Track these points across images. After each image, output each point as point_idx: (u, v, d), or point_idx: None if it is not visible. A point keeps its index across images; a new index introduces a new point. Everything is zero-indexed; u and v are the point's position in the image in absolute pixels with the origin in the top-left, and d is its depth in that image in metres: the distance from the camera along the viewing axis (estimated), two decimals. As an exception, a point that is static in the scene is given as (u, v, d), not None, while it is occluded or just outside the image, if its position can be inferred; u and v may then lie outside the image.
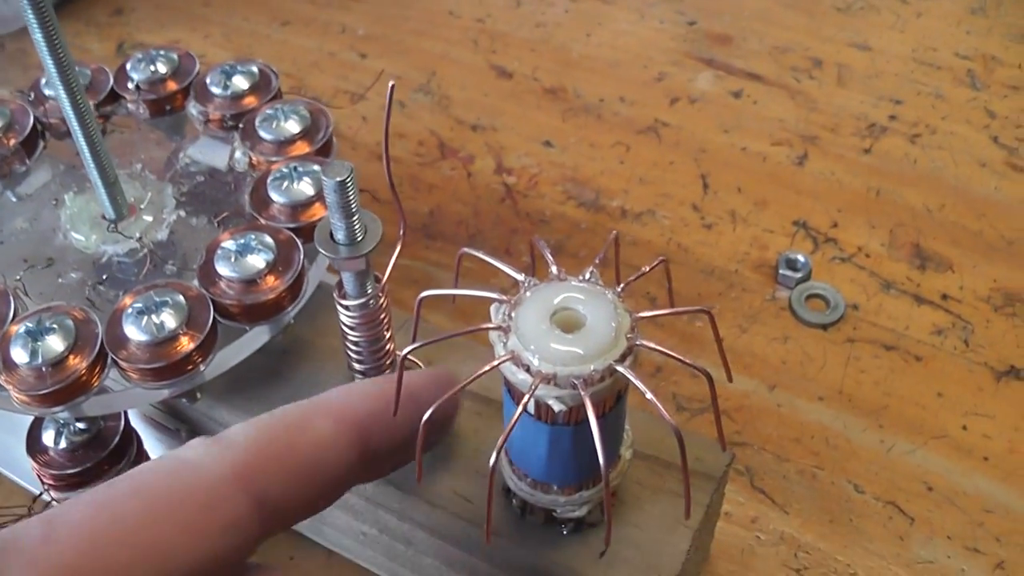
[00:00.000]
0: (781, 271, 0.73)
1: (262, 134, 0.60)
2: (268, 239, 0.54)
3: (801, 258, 0.74)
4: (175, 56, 0.65)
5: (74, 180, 0.62)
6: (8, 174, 0.62)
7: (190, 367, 0.51)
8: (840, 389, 0.67)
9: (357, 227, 0.48)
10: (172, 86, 0.64)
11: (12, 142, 0.62)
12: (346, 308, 0.51)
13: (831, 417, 0.65)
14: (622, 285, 0.46)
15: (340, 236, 0.48)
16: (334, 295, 0.51)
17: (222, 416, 0.55)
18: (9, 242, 0.59)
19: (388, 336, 0.53)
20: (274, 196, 0.56)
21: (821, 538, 0.59)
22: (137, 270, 0.57)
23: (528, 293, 0.45)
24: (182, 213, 0.58)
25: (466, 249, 0.49)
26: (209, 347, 0.51)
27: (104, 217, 0.58)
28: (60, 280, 0.57)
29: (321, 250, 0.48)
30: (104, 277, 0.55)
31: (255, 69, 0.64)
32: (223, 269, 0.53)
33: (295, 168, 0.57)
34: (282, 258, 0.53)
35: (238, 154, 0.60)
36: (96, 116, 0.63)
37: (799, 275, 0.73)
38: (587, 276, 0.46)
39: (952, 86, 0.89)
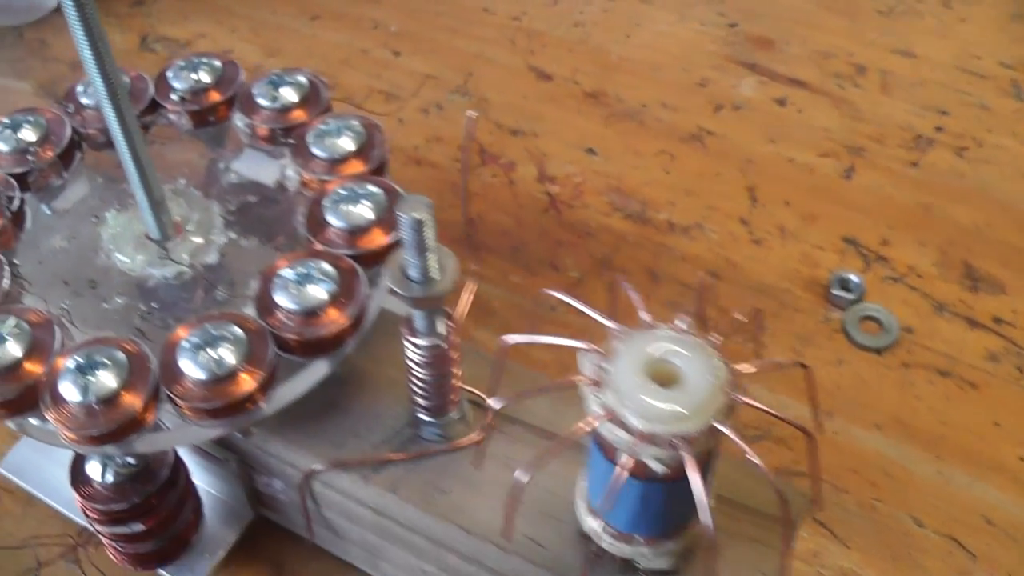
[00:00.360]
0: (834, 291, 0.72)
1: (315, 151, 0.57)
2: (329, 268, 0.51)
3: (855, 278, 0.72)
4: (218, 64, 0.62)
5: (115, 195, 0.60)
6: (44, 187, 0.59)
7: (250, 406, 0.48)
8: (897, 417, 0.65)
9: (434, 265, 0.46)
10: (216, 96, 0.61)
11: (49, 154, 0.59)
12: (416, 346, 0.49)
13: (888, 446, 0.64)
14: (717, 336, 0.44)
15: (415, 274, 0.46)
16: (403, 331, 0.49)
17: (277, 450, 0.53)
18: (48, 262, 0.57)
19: (457, 373, 0.51)
20: (331, 219, 0.54)
21: (882, 575, 0.58)
22: (187, 295, 0.55)
23: (620, 343, 0.43)
24: (232, 235, 0.56)
25: (546, 290, 0.47)
26: (270, 384, 0.49)
27: (148, 237, 0.55)
28: (105, 305, 0.54)
29: (395, 289, 0.46)
30: (153, 305, 0.53)
31: (304, 80, 0.61)
32: (282, 299, 0.50)
33: (353, 190, 0.54)
34: (344, 289, 0.51)
35: (289, 172, 0.57)
36: (138, 127, 0.61)
37: (852, 296, 0.71)
38: (680, 324, 0.44)
39: (996, 96, 0.87)
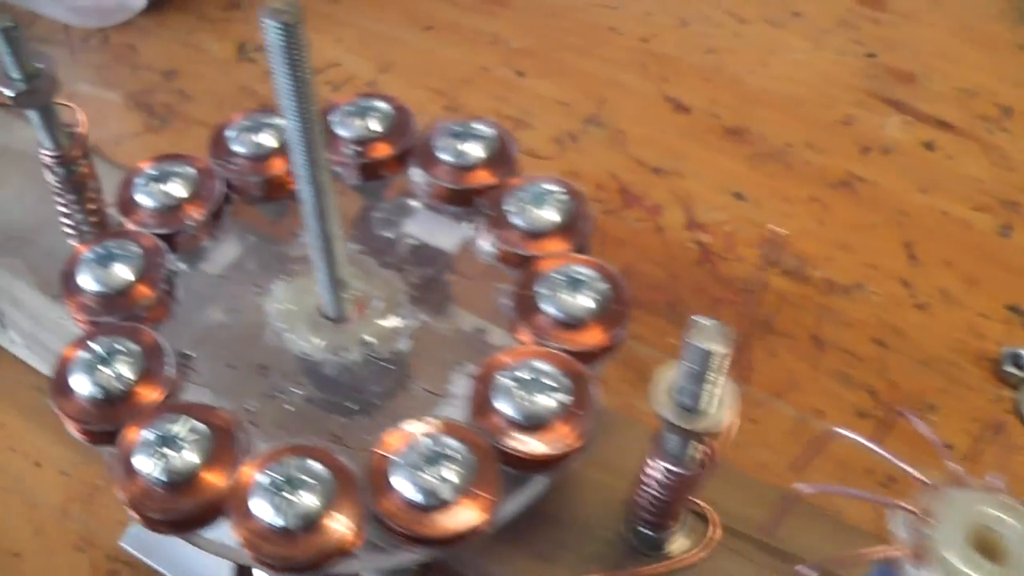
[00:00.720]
0: (1005, 367, 0.67)
1: (514, 220, 0.51)
2: (558, 372, 0.45)
3: (1027, 354, 0.68)
4: (388, 108, 0.56)
5: (273, 258, 0.54)
6: (192, 249, 0.53)
7: (474, 535, 0.43)
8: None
9: (714, 396, 0.41)
10: (388, 147, 0.55)
11: (200, 211, 0.52)
12: (667, 471, 0.44)
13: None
14: None
15: (688, 401, 0.41)
16: (650, 451, 0.44)
17: (488, 567, 0.48)
18: (207, 340, 0.50)
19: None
20: (546, 308, 0.48)
21: None
22: (376, 388, 0.49)
23: (937, 504, 0.38)
24: (424, 316, 0.50)
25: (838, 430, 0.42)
26: (495, 506, 0.43)
27: (323, 315, 0.49)
28: (287, 406, 0.48)
29: (665, 416, 0.41)
30: (349, 405, 0.47)
31: (490, 131, 0.55)
32: (504, 407, 0.44)
33: (570, 274, 0.48)
34: (577, 398, 0.45)
35: (484, 244, 0.51)
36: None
37: (1023, 374, 0.67)
38: (994, 482, 0.39)
39: None
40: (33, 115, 0.53)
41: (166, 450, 0.43)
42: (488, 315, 0.50)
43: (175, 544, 0.56)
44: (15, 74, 0.51)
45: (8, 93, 0.52)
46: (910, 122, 0.82)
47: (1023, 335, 0.70)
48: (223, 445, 0.44)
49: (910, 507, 0.39)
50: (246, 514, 0.42)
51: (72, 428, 0.46)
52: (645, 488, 0.46)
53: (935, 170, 0.79)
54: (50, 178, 0.56)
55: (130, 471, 0.43)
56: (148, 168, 0.54)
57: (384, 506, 0.42)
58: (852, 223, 0.75)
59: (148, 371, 0.46)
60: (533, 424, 0.44)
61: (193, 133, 0.79)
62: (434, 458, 0.42)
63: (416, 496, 0.42)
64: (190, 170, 0.53)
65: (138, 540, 0.58)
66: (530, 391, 0.44)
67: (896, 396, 0.66)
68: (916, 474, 0.40)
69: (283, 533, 0.41)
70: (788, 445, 0.63)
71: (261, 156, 0.54)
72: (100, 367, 0.45)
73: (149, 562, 0.57)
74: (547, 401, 0.44)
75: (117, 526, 0.60)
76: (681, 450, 0.43)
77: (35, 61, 0.52)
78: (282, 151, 0.54)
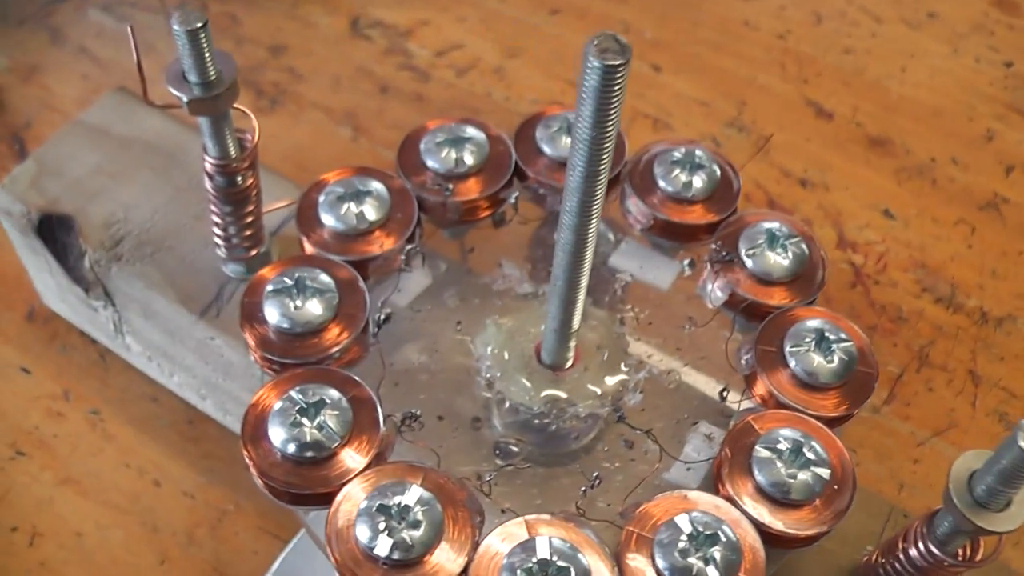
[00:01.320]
0: None
1: (749, 265, 0.47)
2: (817, 444, 0.42)
3: None
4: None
5: (471, 290, 0.49)
6: (383, 279, 0.48)
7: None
8: None
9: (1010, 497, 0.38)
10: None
11: (394, 238, 0.48)
12: (930, 554, 0.41)
13: None
14: None
15: (986, 498, 0.38)
16: (915, 534, 0.41)
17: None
18: (407, 384, 0.46)
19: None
20: (796, 369, 0.44)
21: None
22: (603, 447, 0.45)
23: None
24: (654, 369, 0.46)
25: None
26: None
27: (540, 361, 0.45)
28: (511, 464, 0.44)
29: (962, 511, 0.38)
30: (595, 476, 0.43)
31: (711, 160, 0.50)
32: (764, 481, 0.41)
33: (820, 334, 0.44)
34: (834, 471, 0.42)
35: (715, 288, 0.47)
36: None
37: None
38: None
39: None
40: (203, 121, 0.48)
41: (394, 523, 0.38)
42: (716, 368, 0.46)
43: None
44: (193, 77, 0.46)
45: (183, 98, 0.47)
46: (1052, 139, 0.79)
47: None
48: (455, 517, 0.40)
49: None
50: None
51: (262, 483, 0.42)
52: (893, 565, 0.43)
53: (1081, 193, 0.76)
54: (209, 186, 0.51)
55: (347, 543, 0.39)
56: (334, 183, 0.48)
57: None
58: (1001, 248, 0.72)
59: (358, 426, 0.42)
60: (791, 501, 0.41)
61: (308, 117, 0.74)
62: (698, 538, 0.39)
63: None
64: (382, 190, 0.48)
65: (284, 577, 0.54)
66: (791, 464, 0.41)
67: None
68: None
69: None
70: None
71: (460, 176, 0.49)
72: (304, 421, 0.41)
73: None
74: (808, 476, 0.41)
75: (252, 556, 0.56)
76: (953, 539, 0.40)
77: (218, 64, 0.46)
78: (479, 170, 0.50)
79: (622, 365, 0.45)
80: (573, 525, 0.39)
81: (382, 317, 0.44)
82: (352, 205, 0.48)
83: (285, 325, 0.44)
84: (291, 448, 0.41)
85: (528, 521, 0.39)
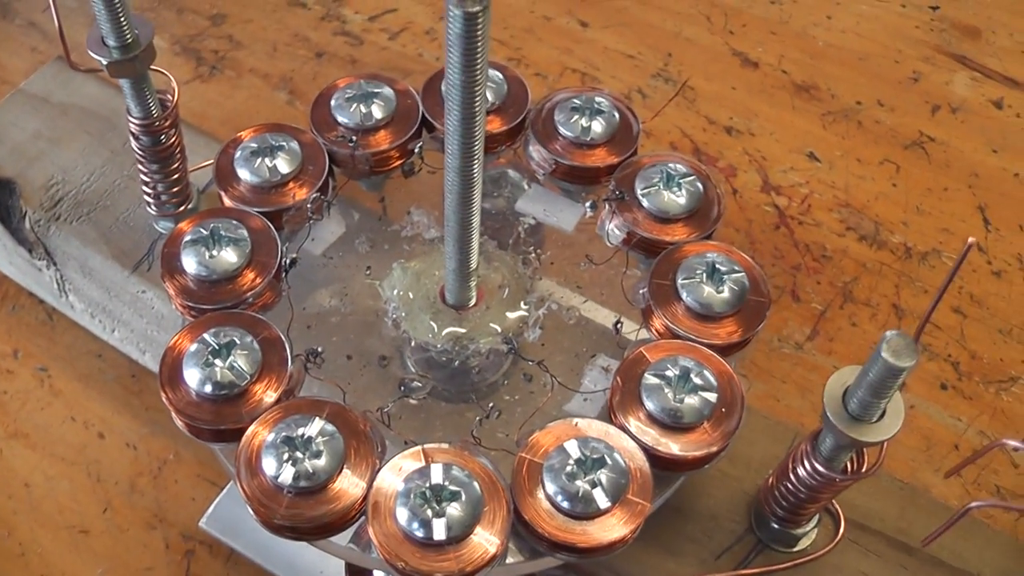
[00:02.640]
0: (1085, 336, 0.67)
1: (645, 204, 0.49)
2: (706, 369, 0.44)
3: (1107, 323, 0.67)
4: (503, 79, 0.53)
5: (382, 237, 0.51)
6: (297, 229, 0.50)
7: (619, 544, 0.41)
8: None
9: (884, 408, 0.40)
10: (502, 121, 0.52)
11: (305, 189, 0.50)
12: (817, 473, 0.43)
13: None
14: None
15: (860, 412, 0.40)
16: (801, 454, 0.43)
17: (617, 564, 0.47)
18: (320, 327, 0.48)
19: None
20: (688, 300, 0.46)
21: None
22: (506, 381, 0.47)
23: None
24: (553, 306, 0.48)
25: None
26: (646, 513, 0.42)
27: (444, 301, 0.47)
28: (413, 401, 0.46)
29: (837, 426, 0.40)
30: (491, 407, 0.45)
31: (611, 105, 0.52)
32: (653, 408, 0.43)
33: (712, 265, 0.46)
34: (723, 396, 0.44)
35: (612, 227, 0.49)
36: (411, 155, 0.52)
37: (1104, 342, 0.67)
38: None
39: None
40: (124, 83, 0.50)
41: (298, 454, 0.41)
42: (617, 303, 0.48)
43: (257, 526, 0.55)
44: (112, 40, 0.48)
45: (102, 61, 0.49)
46: (978, 80, 0.80)
47: (1098, 302, 0.69)
48: (357, 447, 0.42)
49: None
50: (390, 528, 0.40)
51: (181, 423, 0.44)
52: (786, 485, 0.45)
53: (1005, 129, 0.78)
54: (135, 146, 0.53)
55: (256, 474, 0.41)
56: (249, 139, 0.51)
57: (531, 513, 0.41)
58: (925, 186, 0.74)
59: (267, 365, 0.44)
60: (681, 425, 0.43)
61: (245, 83, 0.76)
62: (586, 463, 0.41)
63: (565, 505, 0.40)
64: (294, 144, 0.50)
65: (218, 521, 0.56)
66: (679, 390, 0.43)
67: (977, 367, 0.65)
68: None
69: (433, 547, 0.39)
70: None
71: (369, 129, 0.51)
72: (216, 361, 0.43)
73: (231, 544, 0.55)
74: (696, 400, 0.43)
75: (190, 503, 0.59)
76: (836, 454, 0.43)
77: (134, 27, 0.48)
78: (390, 123, 0.52)
79: (522, 303, 0.47)
80: (467, 453, 0.42)
81: (287, 262, 0.47)
82: (266, 160, 0.50)
83: (202, 273, 0.46)
84: (206, 388, 0.43)
85: (425, 450, 0.41)
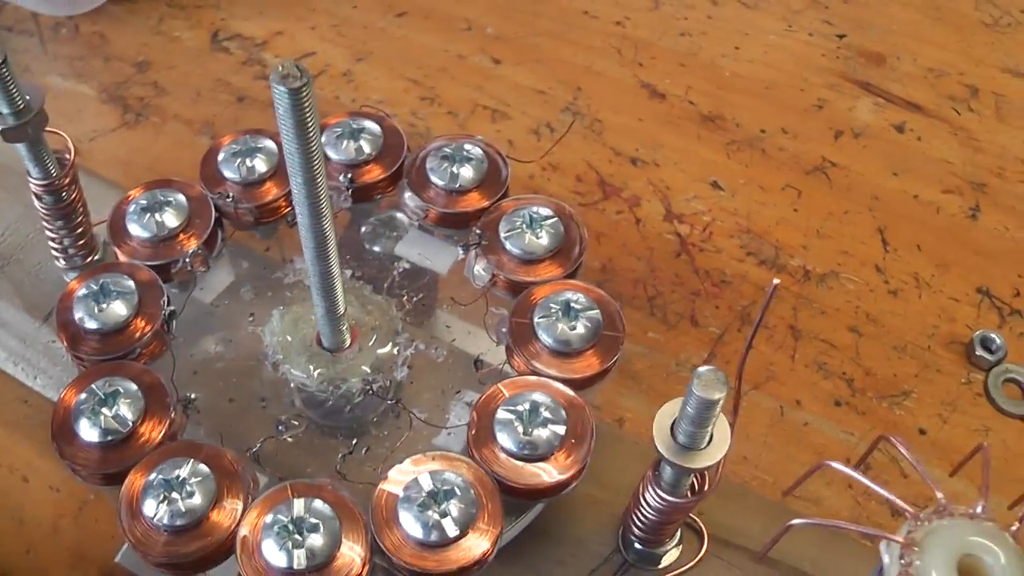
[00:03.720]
0: (976, 351, 0.70)
1: (508, 247, 0.52)
2: (555, 403, 0.47)
3: (997, 338, 0.70)
4: (378, 129, 0.56)
5: (266, 285, 0.54)
6: (186, 280, 0.53)
7: (478, 565, 0.44)
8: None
9: (709, 435, 0.43)
10: (379, 170, 0.55)
11: (193, 242, 0.53)
12: (661, 499, 0.46)
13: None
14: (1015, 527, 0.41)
15: (687, 441, 0.43)
16: (647, 481, 0.46)
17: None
18: (204, 372, 0.51)
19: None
20: (544, 339, 0.49)
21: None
22: (376, 418, 0.50)
23: (922, 534, 0.41)
24: (421, 346, 0.51)
25: (832, 463, 0.44)
26: (498, 537, 0.45)
27: (320, 344, 0.50)
28: (288, 438, 0.49)
29: (666, 456, 0.43)
30: (355, 443, 0.48)
31: (481, 152, 0.55)
32: (505, 442, 0.46)
33: (568, 304, 0.49)
34: (575, 427, 0.47)
35: (479, 269, 0.52)
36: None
37: (993, 357, 0.70)
38: (978, 510, 0.42)
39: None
40: (21, 147, 0.53)
41: (174, 495, 0.44)
42: (486, 342, 0.51)
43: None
44: (4, 109, 0.51)
45: None
46: (881, 105, 0.83)
47: (993, 318, 0.72)
48: (229, 486, 0.45)
49: (897, 539, 0.41)
50: (255, 557, 0.43)
51: (75, 473, 0.47)
52: (640, 510, 0.48)
53: (906, 153, 0.80)
54: (38, 205, 0.56)
55: (136, 516, 0.44)
56: (139, 197, 0.54)
57: (389, 543, 0.43)
58: (826, 210, 0.76)
59: (150, 412, 0.47)
60: (533, 456, 0.46)
61: (169, 129, 0.79)
62: (440, 498, 0.44)
63: (421, 534, 0.43)
64: (181, 199, 0.53)
65: (133, 557, 0.58)
66: (529, 424, 0.46)
67: (871, 384, 0.68)
68: (903, 505, 0.42)
69: (291, 574, 0.42)
70: (768, 437, 0.65)
71: (254, 183, 0.54)
72: (102, 410, 0.46)
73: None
74: (546, 433, 0.46)
75: (110, 541, 0.61)
76: (677, 480, 0.45)
77: (24, 94, 0.51)
78: (274, 176, 0.55)
79: (391, 344, 0.50)
80: (331, 487, 0.44)
81: (166, 314, 0.49)
82: (155, 215, 0.53)
83: (93, 325, 0.49)
84: (93, 435, 0.46)
85: (291, 485, 0.44)
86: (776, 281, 0.38)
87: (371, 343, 0.50)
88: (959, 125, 0.83)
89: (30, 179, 0.55)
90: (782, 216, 0.76)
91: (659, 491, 0.46)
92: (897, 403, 0.68)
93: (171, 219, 0.53)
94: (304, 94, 0.37)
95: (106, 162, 0.75)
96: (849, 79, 0.84)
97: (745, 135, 0.80)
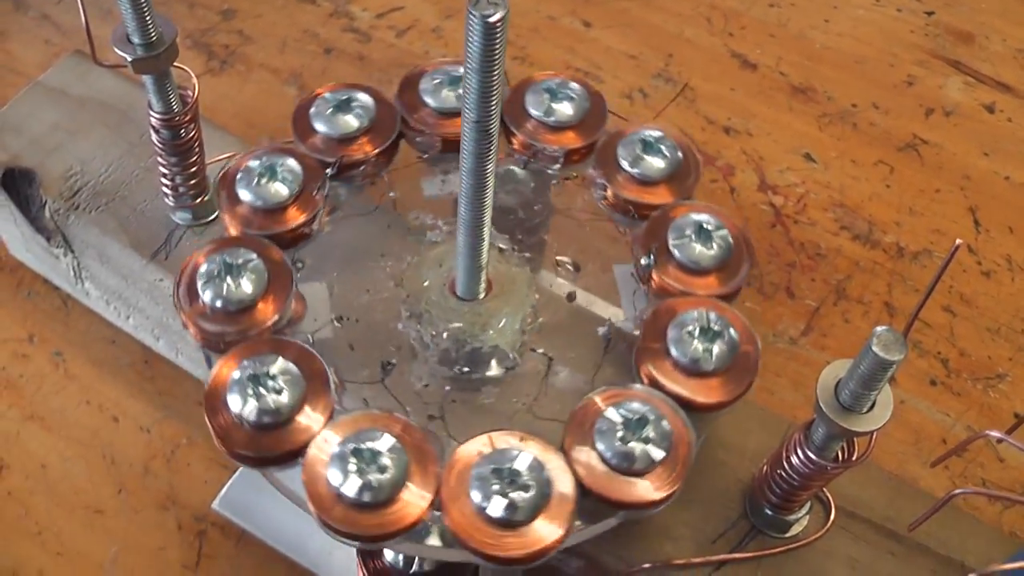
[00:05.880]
0: (1070, 335, 0.69)
1: (675, 254, 0.50)
2: (659, 417, 0.44)
3: (1092, 323, 0.70)
4: (581, 91, 0.54)
5: (404, 229, 0.53)
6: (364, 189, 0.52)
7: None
8: None
9: (873, 400, 0.42)
10: (576, 138, 0.53)
11: (369, 148, 0.52)
12: (809, 461, 0.45)
13: None
14: None
15: (851, 403, 0.42)
16: (795, 442, 0.45)
17: (614, 548, 0.49)
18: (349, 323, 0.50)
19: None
20: (674, 353, 0.46)
21: None
22: (501, 375, 0.49)
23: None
24: (559, 294, 0.50)
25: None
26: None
27: (454, 293, 0.49)
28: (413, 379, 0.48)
29: (830, 416, 0.42)
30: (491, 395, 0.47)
31: (675, 147, 0.53)
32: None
33: (709, 320, 0.47)
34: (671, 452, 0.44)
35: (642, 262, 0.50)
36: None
37: (1089, 341, 0.69)
38: None
39: None
40: (148, 79, 0.52)
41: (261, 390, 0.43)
42: (614, 299, 0.51)
43: (268, 508, 0.57)
44: (136, 38, 0.50)
45: (127, 57, 0.50)
46: (971, 84, 0.82)
47: (1083, 303, 0.72)
48: (315, 390, 0.43)
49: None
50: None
51: (192, 333, 0.46)
52: (781, 472, 0.47)
53: (996, 133, 0.80)
54: (155, 139, 0.55)
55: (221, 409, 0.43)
56: (327, 92, 0.53)
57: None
58: (918, 187, 0.76)
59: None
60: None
61: (256, 77, 0.77)
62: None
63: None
64: (370, 104, 0.53)
65: (230, 503, 0.58)
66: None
67: (966, 365, 0.68)
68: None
69: (357, 504, 0.41)
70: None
71: (445, 113, 0.53)
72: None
73: (242, 524, 0.57)
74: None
75: (203, 486, 0.60)
76: (827, 443, 0.44)
77: (159, 26, 0.50)
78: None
79: (528, 298, 0.49)
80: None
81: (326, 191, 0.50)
82: (336, 112, 0.52)
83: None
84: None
85: (366, 414, 0.43)
86: (959, 241, 0.37)
87: (508, 292, 0.49)
88: (1048, 108, 0.82)
89: (151, 113, 0.54)
90: (874, 191, 0.75)
91: (808, 452, 0.45)
92: (992, 386, 0.67)
93: (351, 120, 0.52)
94: (499, 26, 0.36)
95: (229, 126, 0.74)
96: (938, 56, 0.84)
97: (837, 108, 0.79)
